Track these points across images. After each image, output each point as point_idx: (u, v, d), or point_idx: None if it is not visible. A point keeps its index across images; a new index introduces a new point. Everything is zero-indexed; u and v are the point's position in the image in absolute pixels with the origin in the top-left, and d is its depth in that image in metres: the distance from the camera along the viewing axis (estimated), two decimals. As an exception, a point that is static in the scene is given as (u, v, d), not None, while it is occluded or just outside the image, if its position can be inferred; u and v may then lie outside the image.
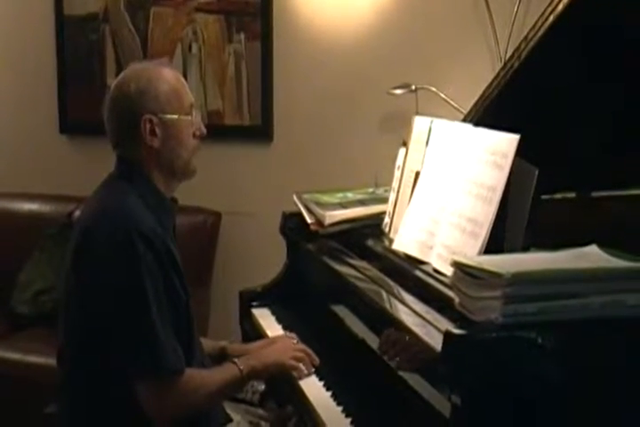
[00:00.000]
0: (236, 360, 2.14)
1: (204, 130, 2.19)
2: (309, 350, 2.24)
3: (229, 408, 2.31)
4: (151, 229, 2.02)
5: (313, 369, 2.19)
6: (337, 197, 2.60)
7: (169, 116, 2.10)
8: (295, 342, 2.32)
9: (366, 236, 2.38)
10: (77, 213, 3.58)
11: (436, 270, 1.95)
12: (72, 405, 2.12)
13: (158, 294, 1.99)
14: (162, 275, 2.01)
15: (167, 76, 2.13)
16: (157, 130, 2.09)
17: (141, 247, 1.97)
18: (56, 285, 3.50)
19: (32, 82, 4.19)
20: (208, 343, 2.35)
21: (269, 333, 2.50)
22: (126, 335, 1.98)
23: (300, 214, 2.60)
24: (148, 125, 2.08)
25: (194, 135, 2.16)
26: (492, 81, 2.25)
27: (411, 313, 1.85)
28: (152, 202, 2.10)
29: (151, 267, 1.98)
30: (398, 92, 3.36)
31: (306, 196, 2.63)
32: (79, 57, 4.07)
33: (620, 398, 1.54)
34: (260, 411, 2.47)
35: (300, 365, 2.18)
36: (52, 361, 2.23)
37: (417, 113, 2.90)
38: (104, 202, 2.10)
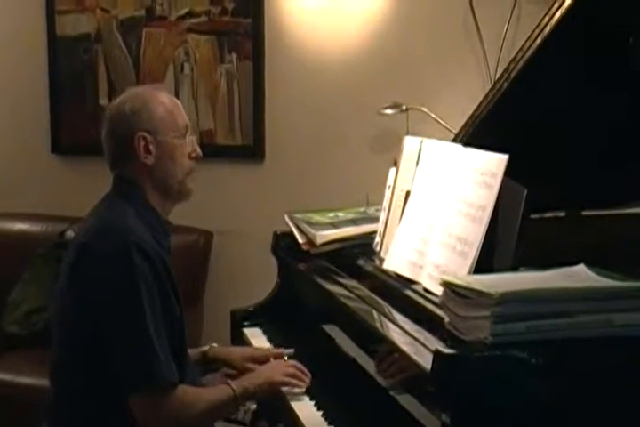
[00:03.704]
0: (229, 382, 2.15)
1: (200, 152, 2.21)
2: (300, 365, 2.24)
3: (221, 428, 2.31)
4: (149, 244, 2.04)
5: (307, 382, 2.18)
6: (328, 217, 2.61)
7: (163, 136, 2.12)
8: (286, 358, 2.32)
9: (357, 255, 2.39)
10: (69, 232, 3.59)
11: (426, 290, 1.96)
12: (65, 423, 2.11)
13: (155, 308, 2.00)
14: (158, 289, 2.02)
15: (162, 98, 2.17)
16: (151, 147, 2.11)
17: (139, 261, 1.98)
18: (47, 304, 3.48)
19: (24, 102, 4.19)
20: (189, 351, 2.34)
21: (260, 352, 2.49)
22: (122, 348, 1.99)
23: (291, 234, 2.60)
24: (142, 142, 2.11)
25: (189, 156, 2.18)
26: (482, 101, 2.27)
27: (401, 332, 1.85)
28: (149, 221, 2.12)
29: (148, 281, 1.99)
30: (389, 112, 3.37)
31: (297, 215, 2.63)
32: (71, 77, 4.07)
33: (610, 415, 1.55)
34: (252, 431, 2.47)
35: (292, 379, 2.18)
36: (43, 381, 2.23)
37: (407, 133, 2.92)
38: (102, 219, 2.11)
